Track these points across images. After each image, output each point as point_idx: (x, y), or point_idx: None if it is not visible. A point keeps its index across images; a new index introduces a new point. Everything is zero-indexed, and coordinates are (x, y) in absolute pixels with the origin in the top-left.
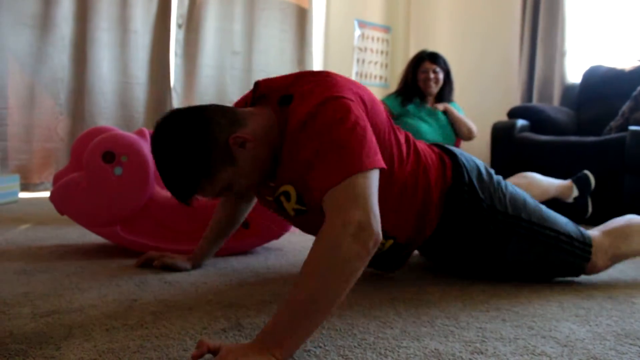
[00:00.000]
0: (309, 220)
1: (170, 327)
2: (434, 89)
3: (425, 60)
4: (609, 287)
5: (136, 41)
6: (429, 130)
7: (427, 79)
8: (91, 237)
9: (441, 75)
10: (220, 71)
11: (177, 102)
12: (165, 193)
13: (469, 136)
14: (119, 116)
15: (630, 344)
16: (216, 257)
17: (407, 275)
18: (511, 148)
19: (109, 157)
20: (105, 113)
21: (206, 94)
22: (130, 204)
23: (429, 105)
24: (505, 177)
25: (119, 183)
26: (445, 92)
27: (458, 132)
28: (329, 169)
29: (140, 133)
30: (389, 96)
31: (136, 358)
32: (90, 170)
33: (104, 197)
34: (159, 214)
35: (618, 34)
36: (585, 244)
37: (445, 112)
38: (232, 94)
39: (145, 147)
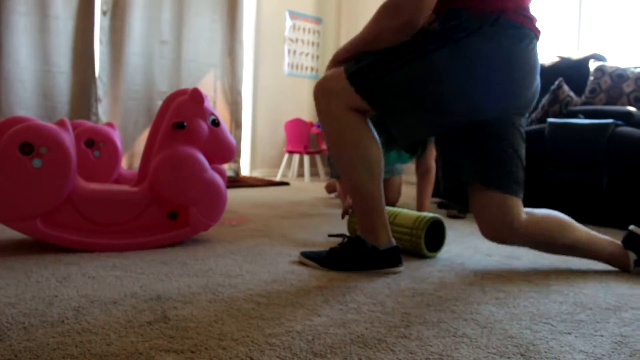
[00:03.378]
0: None
1: (93, 322)
2: None
3: None
4: (529, 272)
5: (57, 27)
6: (395, 156)
7: None
8: (8, 233)
9: None
10: (148, 60)
11: (102, 91)
12: (88, 185)
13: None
14: (40, 106)
15: (544, 323)
16: (143, 249)
17: None
18: None
19: (27, 148)
20: (24, 103)
21: (133, 84)
22: (51, 197)
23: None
24: None
25: (38, 175)
26: None
27: (422, 162)
28: None
29: (61, 123)
30: None
31: (56, 355)
32: (6, 162)
33: (22, 191)
34: (81, 206)
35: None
36: None
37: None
38: (160, 83)
39: (67, 138)
